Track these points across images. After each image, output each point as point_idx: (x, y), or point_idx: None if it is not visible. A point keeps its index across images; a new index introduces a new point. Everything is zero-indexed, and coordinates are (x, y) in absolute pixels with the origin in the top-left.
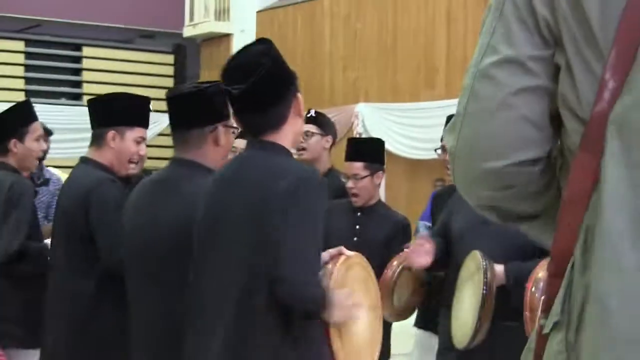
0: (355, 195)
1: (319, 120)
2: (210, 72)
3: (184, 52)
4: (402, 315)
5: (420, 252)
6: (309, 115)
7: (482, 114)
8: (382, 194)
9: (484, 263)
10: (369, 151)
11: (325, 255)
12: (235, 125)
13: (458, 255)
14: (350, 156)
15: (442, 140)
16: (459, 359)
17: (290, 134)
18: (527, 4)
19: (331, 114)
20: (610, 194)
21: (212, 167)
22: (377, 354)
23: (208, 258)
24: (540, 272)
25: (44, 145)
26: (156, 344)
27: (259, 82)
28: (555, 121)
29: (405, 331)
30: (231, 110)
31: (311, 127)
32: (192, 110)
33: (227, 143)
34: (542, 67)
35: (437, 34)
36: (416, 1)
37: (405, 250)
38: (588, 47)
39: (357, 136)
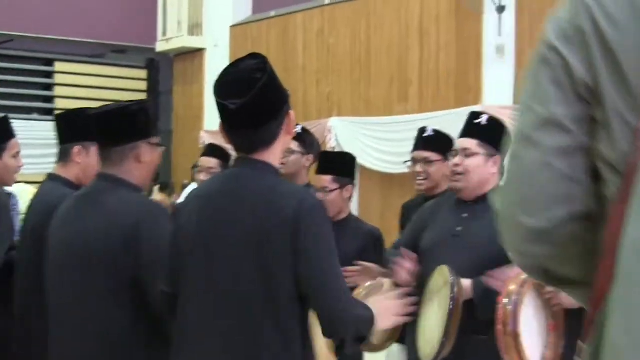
0: None
1: (303, 138)
2: (183, 87)
3: (157, 67)
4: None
5: (403, 271)
6: (294, 131)
7: (523, 175)
8: (355, 208)
9: (452, 278)
10: (338, 165)
11: None
12: (158, 142)
13: (427, 269)
14: (321, 169)
15: (412, 152)
16: None
17: (279, 152)
18: (562, 64)
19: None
20: (630, 235)
21: (137, 184)
22: None
23: (200, 280)
24: (512, 285)
25: (21, 162)
26: (89, 355)
27: (256, 98)
28: (595, 174)
29: None
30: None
31: (293, 145)
32: (113, 127)
33: (151, 160)
34: (579, 125)
35: (410, 48)
36: (389, 15)
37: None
38: (624, 100)
39: (330, 150)
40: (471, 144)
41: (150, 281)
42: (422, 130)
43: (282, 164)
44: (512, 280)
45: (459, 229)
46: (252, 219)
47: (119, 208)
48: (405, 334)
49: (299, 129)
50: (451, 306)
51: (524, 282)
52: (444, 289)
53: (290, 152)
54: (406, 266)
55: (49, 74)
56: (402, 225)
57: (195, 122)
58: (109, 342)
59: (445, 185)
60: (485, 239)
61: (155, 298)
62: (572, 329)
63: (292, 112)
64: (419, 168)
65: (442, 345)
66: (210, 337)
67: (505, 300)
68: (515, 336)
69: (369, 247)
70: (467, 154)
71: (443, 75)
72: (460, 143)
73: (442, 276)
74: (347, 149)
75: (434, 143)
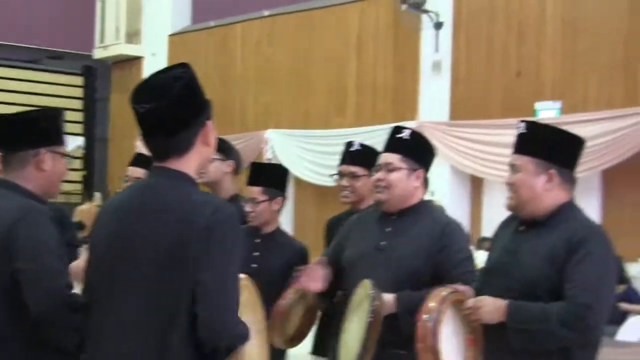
0: (252, 218)
1: (220, 146)
2: (120, 94)
3: (94, 74)
4: (293, 341)
5: (314, 277)
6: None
7: None
8: (290, 220)
9: (372, 292)
10: (269, 176)
11: None
12: (64, 152)
13: (351, 283)
14: (251, 180)
15: (338, 166)
16: None
17: (195, 161)
18: None
19: (242, 139)
20: None
21: (34, 191)
22: None
23: (114, 292)
24: (432, 302)
25: None
26: None
27: (166, 104)
28: None
29: (302, 358)
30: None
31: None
32: (12, 133)
33: (53, 168)
34: None
35: (348, 62)
36: (328, 29)
37: (297, 274)
38: None
39: (266, 162)
40: (394, 158)
41: (28, 281)
42: (349, 144)
43: (202, 172)
44: (432, 297)
45: (383, 243)
46: (164, 229)
47: (8, 214)
48: (328, 346)
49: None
50: (370, 320)
51: (444, 299)
52: (364, 303)
53: (210, 160)
54: (319, 272)
55: None
56: (327, 241)
57: (132, 130)
58: None
59: (371, 200)
60: (408, 254)
61: (36, 300)
62: (490, 344)
63: (210, 123)
64: (345, 182)
65: (360, 357)
66: (119, 344)
67: (425, 317)
68: (435, 352)
69: (294, 263)
70: (390, 168)
71: (380, 90)
72: (383, 158)
73: (364, 290)
74: (283, 161)
75: (360, 157)
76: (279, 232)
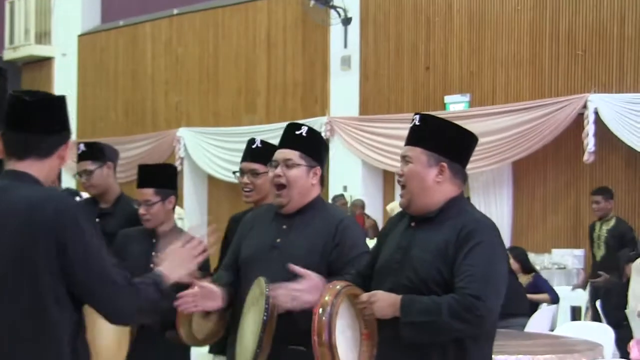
0: (147, 220)
1: (94, 153)
2: None
3: (4, 75)
4: (206, 341)
5: (210, 296)
6: (80, 152)
7: None
8: (205, 217)
9: (267, 289)
10: (159, 177)
11: None
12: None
13: (247, 281)
14: (141, 183)
15: (240, 163)
16: None
17: (48, 169)
18: None
19: (153, 138)
20: None
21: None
22: None
23: None
24: (327, 295)
25: None
26: None
27: (46, 102)
28: None
29: (202, 357)
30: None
31: (87, 164)
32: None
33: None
34: None
35: (258, 59)
36: (236, 26)
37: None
38: None
39: (179, 160)
40: (293, 154)
41: None
42: (251, 141)
43: (91, 185)
44: (327, 291)
45: (278, 240)
46: (14, 228)
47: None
48: (226, 345)
49: (82, 147)
50: (265, 318)
51: (338, 293)
52: (260, 301)
53: (90, 172)
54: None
55: None
56: (226, 237)
57: None
58: None
59: (272, 198)
60: (304, 251)
61: None
62: (384, 338)
63: (70, 143)
64: (246, 179)
65: (256, 355)
66: None
67: (320, 311)
68: (331, 347)
69: None
70: (289, 164)
71: (290, 87)
72: (282, 154)
73: (259, 287)
74: (195, 159)
75: (261, 155)
76: (174, 230)
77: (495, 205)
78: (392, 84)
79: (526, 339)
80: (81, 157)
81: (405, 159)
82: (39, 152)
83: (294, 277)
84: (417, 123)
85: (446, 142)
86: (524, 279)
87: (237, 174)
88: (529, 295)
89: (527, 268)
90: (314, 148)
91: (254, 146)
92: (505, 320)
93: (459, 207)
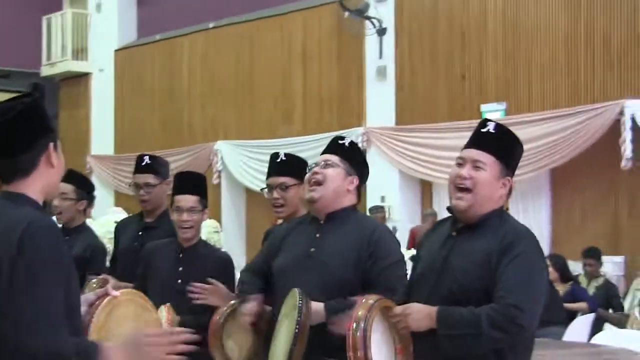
0: (190, 227)
1: (155, 167)
2: (69, 111)
3: (41, 91)
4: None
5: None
6: (144, 164)
7: None
8: (243, 230)
9: (300, 302)
10: (199, 185)
11: (91, 296)
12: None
13: (281, 292)
14: (180, 189)
15: (267, 179)
16: None
17: (40, 182)
18: None
19: (191, 151)
20: None
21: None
22: None
23: None
24: (360, 310)
25: None
26: None
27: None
28: None
29: None
30: None
31: (149, 177)
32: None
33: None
34: None
35: (293, 71)
36: (272, 38)
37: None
38: None
39: (216, 173)
40: (333, 157)
41: None
42: (275, 155)
43: (148, 200)
44: (360, 306)
45: (312, 249)
46: None
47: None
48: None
49: (147, 159)
50: (297, 330)
51: (371, 307)
52: (293, 313)
53: (150, 186)
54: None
55: None
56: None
57: (81, 146)
58: None
59: (304, 210)
60: (338, 260)
61: None
62: (420, 351)
63: (51, 146)
64: (275, 194)
65: None
66: None
67: (354, 326)
68: None
69: (219, 272)
70: (328, 164)
71: (326, 98)
72: (322, 157)
73: (292, 299)
74: (233, 172)
75: (287, 167)
76: (200, 243)
77: (534, 213)
78: (428, 93)
79: (562, 348)
80: (144, 169)
81: (475, 163)
82: (21, 172)
83: (329, 286)
84: (491, 130)
85: (513, 156)
86: (562, 288)
87: (265, 190)
88: (567, 305)
89: (566, 277)
90: (354, 158)
91: (278, 160)
92: (541, 329)
93: (500, 216)
